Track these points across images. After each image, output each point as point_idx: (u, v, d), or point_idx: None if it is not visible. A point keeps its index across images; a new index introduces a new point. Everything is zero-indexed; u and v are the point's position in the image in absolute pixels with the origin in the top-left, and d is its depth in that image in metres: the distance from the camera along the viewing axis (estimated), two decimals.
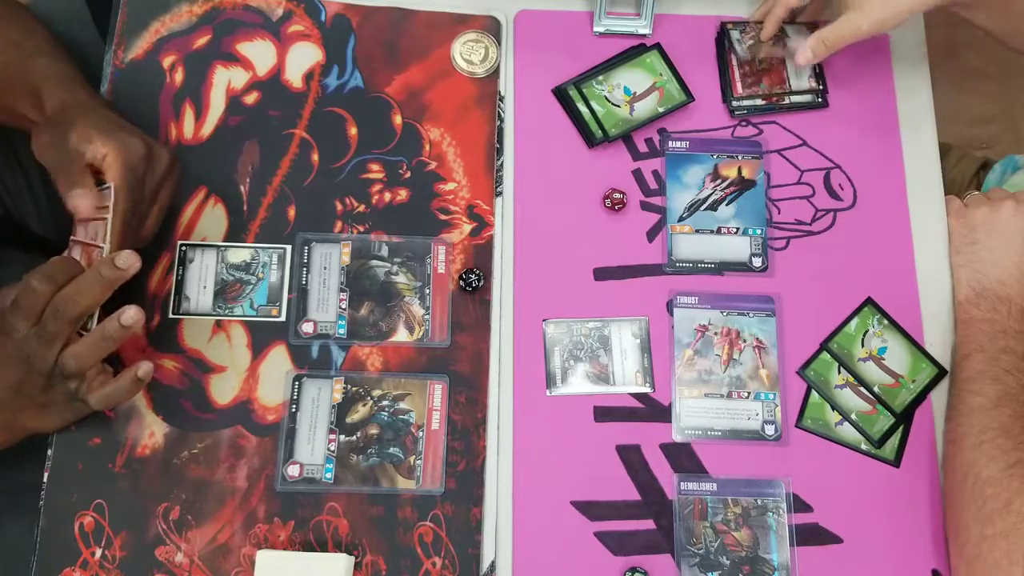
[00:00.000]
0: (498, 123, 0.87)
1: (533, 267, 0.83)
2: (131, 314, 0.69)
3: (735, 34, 0.90)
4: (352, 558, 0.74)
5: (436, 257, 0.83)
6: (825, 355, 0.82)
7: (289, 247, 0.82)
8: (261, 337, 0.80)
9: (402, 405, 0.79)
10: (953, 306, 0.83)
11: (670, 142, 0.87)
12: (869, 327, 0.82)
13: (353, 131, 0.86)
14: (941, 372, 0.81)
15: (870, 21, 0.79)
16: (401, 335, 0.81)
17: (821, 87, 0.89)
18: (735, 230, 0.85)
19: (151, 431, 0.77)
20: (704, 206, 0.86)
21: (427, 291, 0.82)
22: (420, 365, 0.80)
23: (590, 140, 0.86)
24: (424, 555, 0.75)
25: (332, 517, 0.76)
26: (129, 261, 0.69)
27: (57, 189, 0.71)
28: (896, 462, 0.79)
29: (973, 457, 0.72)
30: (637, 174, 0.87)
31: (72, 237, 0.74)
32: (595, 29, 0.90)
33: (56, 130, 0.72)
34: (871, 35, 0.80)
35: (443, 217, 0.84)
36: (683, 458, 0.79)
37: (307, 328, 0.80)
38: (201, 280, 0.81)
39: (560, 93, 0.88)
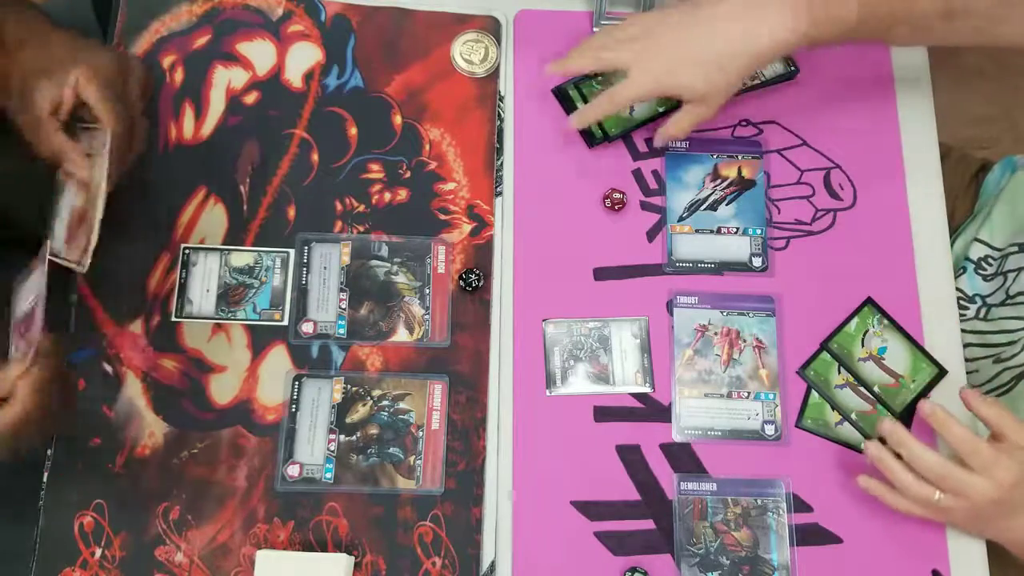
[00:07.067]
0: (498, 123, 0.87)
1: (533, 267, 0.83)
2: None
3: None
4: (352, 558, 0.74)
5: (436, 257, 0.83)
6: (825, 355, 0.82)
7: (292, 251, 0.82)
8: (261, 337, 0.80)
9: (402, 405, 0.79)
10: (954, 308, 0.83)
11: (670, 142, 0.87)
12: (869, 327, 0.82)
13: (353, 131, 0.86)
14: (941, 372, 0.81)
15: (712, 109, 0.80)
16: (401, 335, 0.81)
17: (791, 66, 0.89)
18: (735, 230, 0.85)
19: (151, 431, 0.77)
20: (704, 206, 0.86)
21: (427, 291, 0.82)
22: (420, 365, 0.80)
23: (590, 140, 0.86)
24: (424, 555, 0.75)
25: (332, 517, 0.76)
26: None
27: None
28: None
29: None
30: (637, 174, 0.87)
31: (64, 169, 0.73)
32: (595, 29, 0.90)
33: (25, 98, 0.71)
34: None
35: (443, 217, 0.84)
36: (683, 458, 0.79)
37: (307, 328, 0.80)
38: (204, 283, 0.81)
39: (560, 93, 0.88)
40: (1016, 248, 0.89)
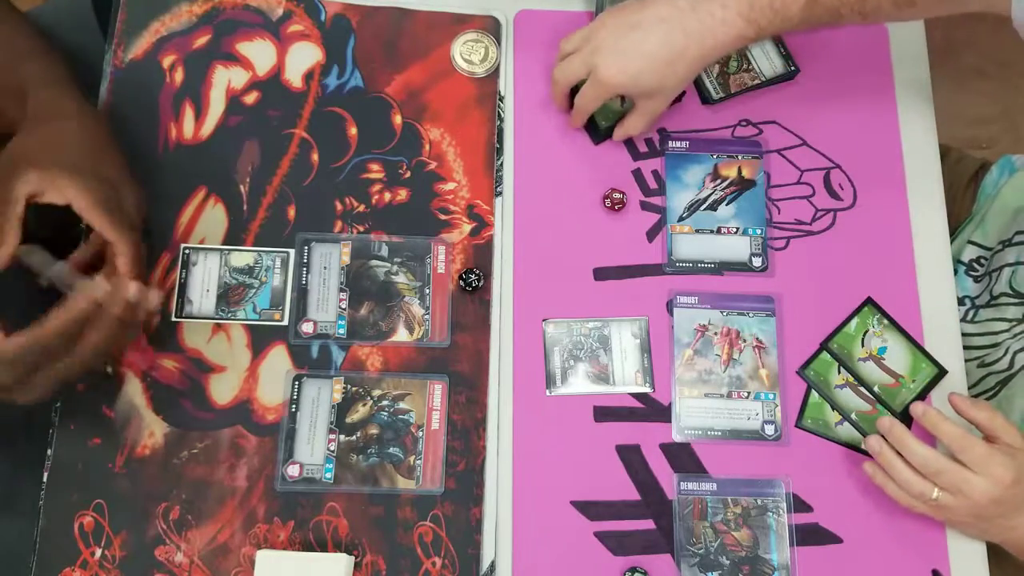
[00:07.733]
0: (498, 123, 0.87)
1: (533, 267, 0.83)
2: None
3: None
4: (352, 558, 0.74)
5: (436, 257, 0.83)
6: (825, 355, 0.82)
7: (292, 251, 0.82)
8: (261, 337, 0.80)
9: (402, 405, 0.79)
10: (953, 306, 0.84)
11: (670, 142, 0.87)
12: (869, 327, 0.82)
13: (353, 131, 0.86)
14: (941, 372, 0.81)
15: (666, 101, 0.82)
16: (401, 335, 0.81)
17: (791, 66, 0.89)
18: (735, 230, 0.85)
19: (151, 431, 0.77)
20: (704, 206, 0.86)
21: (427, 291, 0.82)
22: (420, 365, 0.80)
23: (595, 136, 0.86)
24: (424, 555, 0.75)
25: (332, 517, 0.76)
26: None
27: None
28: None
29: None
30: (637, 174, 0.87)
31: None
32: None
33: (6, 175, 0.67)
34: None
35: (443, 217, 0.84)
36: (683, 458, 0.79)
37: (307, 328, 0.80)
38: (204, 283, 0.81)
39: None
40: (1001, 246, 0.89)
